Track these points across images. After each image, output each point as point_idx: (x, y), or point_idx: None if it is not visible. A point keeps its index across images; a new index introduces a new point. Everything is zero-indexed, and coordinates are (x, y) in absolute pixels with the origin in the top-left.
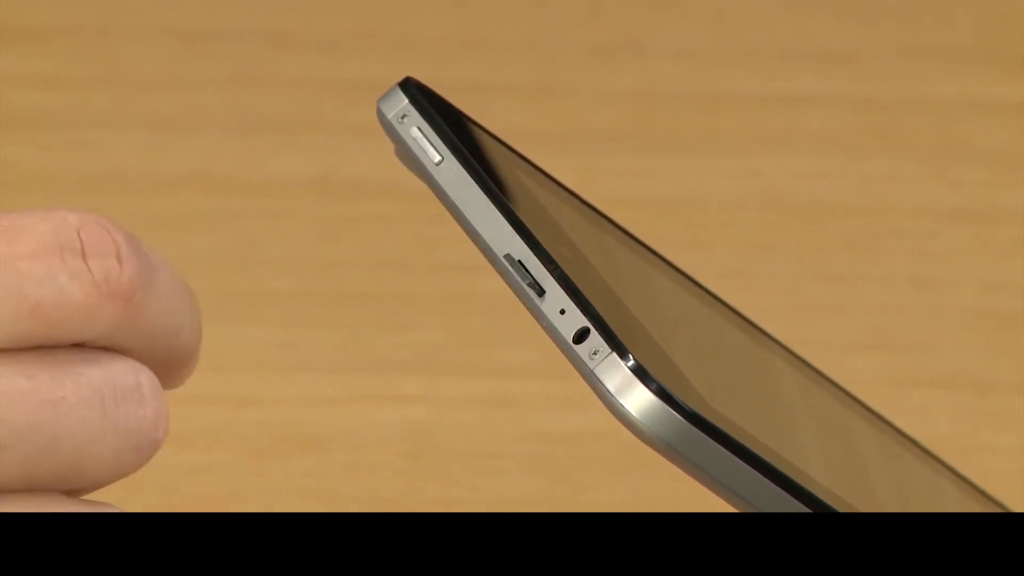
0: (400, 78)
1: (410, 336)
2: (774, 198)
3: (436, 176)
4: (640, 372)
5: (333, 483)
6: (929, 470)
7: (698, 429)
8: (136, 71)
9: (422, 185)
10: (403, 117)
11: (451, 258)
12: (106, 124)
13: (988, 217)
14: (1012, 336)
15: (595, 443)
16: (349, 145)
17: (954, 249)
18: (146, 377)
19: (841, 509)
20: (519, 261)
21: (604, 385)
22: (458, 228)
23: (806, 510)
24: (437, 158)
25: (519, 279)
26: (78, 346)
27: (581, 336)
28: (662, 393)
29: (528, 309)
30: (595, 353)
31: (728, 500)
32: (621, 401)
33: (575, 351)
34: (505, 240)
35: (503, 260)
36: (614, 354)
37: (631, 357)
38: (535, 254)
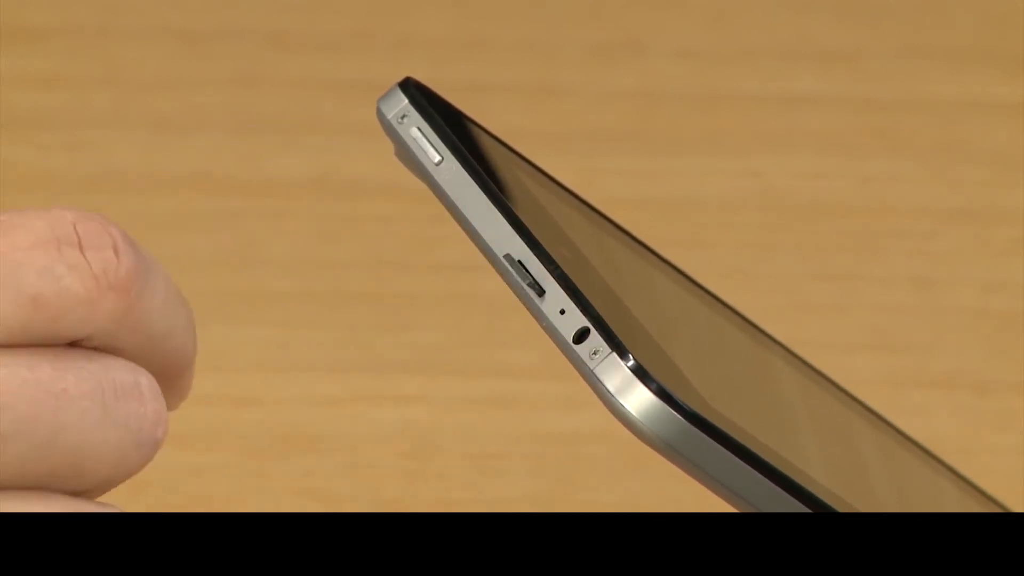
0: (400, 78)
1: (410, 336)
2: (774, 198)
3: (436, 176)
4: (640, 372)
5: (333, 483)
6: (929, 470)
7: (698, 429)
8: (136, 71)
9: (422, 185)
10: (403, 117)
11: (451, 258)
12: (106, 124)
13: (988, 217)
14: (1012, 336)
15: (595, 443)
16: (349, 145)
17: (954, 249)
18: (145, 378)
19: (841, 509)
20: (519, 261)
21: (604, 385)
22: (458, 228)
23: (806, 510)
24: (437, 158)
25: (519, 279)
26: (76, 346)
27: (581, 336)
28: (662, 393)
29: (528, 309)
30: (595, 353)
31: (728, 500)
32: (621, 401)
33: (575, 351)
34: (505, 240)
35: (503, 260)
36: (614, 354)
37: (631, 357)
38: (535, 254)
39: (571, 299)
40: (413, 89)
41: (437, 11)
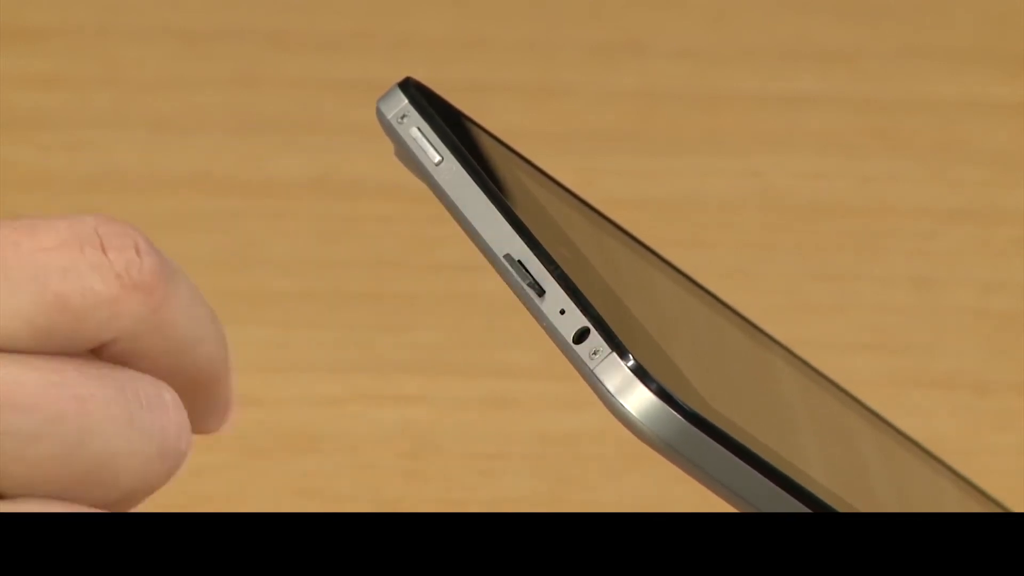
0: (400, 78)
1: (410, 336)
2: (774, 198)
3: (436, 176)
4: (640, 372)
5: (333, 483)
6: (929, 470)
7: (698, 429)
8: (136, 71)
9: (422, 185)
10: (403, 117)
11: (451, 258)
12: (106, 124)
13: (988, 217)
14: (1012, 336)
15: (595, 443)
16: (349, 145)
17: (954, 249)
18: (168, 392)
19: (841, 509)
20: (519, 261)
21: (604, 385)
22: (458, 228)
23: (806, 510)
24: (437, 158)
25: (519, 279)
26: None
27: (581, 336)
28: (662, 393)
29: (528, 309)
30: (595, 353)
31: (728, 500)
32: (621, 401)
33: (575, 351)
34: (505, 240)
35: (503, 260)
36: (614, 354)
37: (631, 357)
38: (535, 254)
39: (571, 299)
40: (413, 89)
41: (437, 11)
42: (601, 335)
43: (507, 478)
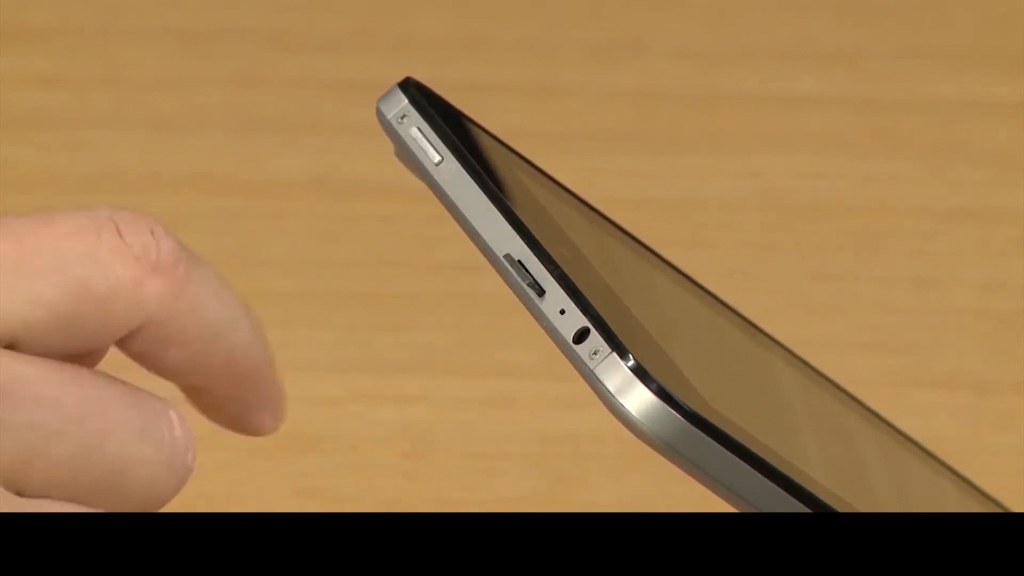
0: (400, 78)
1: (410, 336)
2: (774, 198)
3: (436, 176)
4: (640, 372)
5: (333, 483)
6: (929, 470)
7: (698, 429)
8: (136, 71)
9: (422, 185)
10: (403, 117)
11: (451, 258)
12: (106, 124)
13: (988, 217)
14: (1012, 336)
15: (595, 443)
16: (349, 145)
17: (954, 249)
18: (174, 410)
19: (841, 509)
20: (519, 261)
21: (604, 385)
22: (458, 228)
23: (806, 510)
24: (437, 158)
25: (519, 279)
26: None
27: (581, 336)
28: (662, 393)
29: (528, 309)
30: (595, 353)
31: (728, 500)
32: (621, 401)
33: (575, 351)
34: (505, 240)
35: (503, 260)
36: (614, 354)
37: (631, 357)
38: (535, 254)
39: (571, 299)
40: (413, 89)
41: (437, 11)
42: (601, 335)
43: (507, 478)
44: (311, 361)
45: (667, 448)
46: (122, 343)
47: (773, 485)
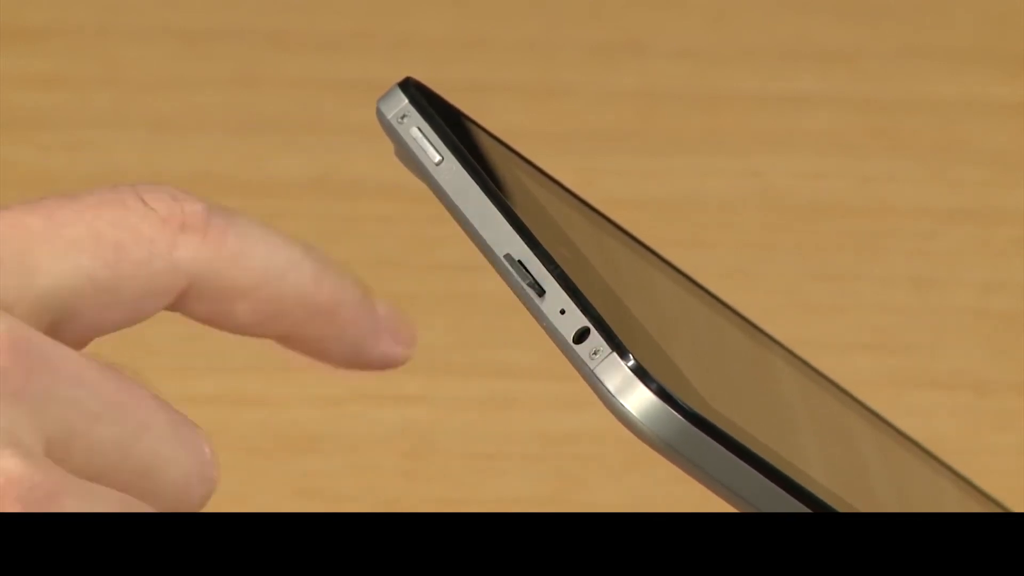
0: (400, 78)
1: None
2: (774, 198)
3: (436, 176)
4: (640, 372)
5: (333, 483)
6: (929, 470)
7: (698, 429)
8: (136, 71)
9: (422, 185)
10: (403, 117)
11: (451, 258)
12: (106, 124)
13: (988, 217)
14: (1012, 336)
15: (595, 443)
16: (349, 145)
17: (954, 249)
18: (200, 429)
19: (841, 509)
20: (519, 261)
21: (604, 385)
22: (458, 228)
23: (806, 510)
24: (437, 158)
25: (519, 279)
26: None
27: (581, 336)
28: (662, 393)
29: (528, 309)
30: (595, 353)
31: (728, 500)
32: (621, 401)
33: (575, 351)
34: (505, 240)
35: (503, 260)
36: (614, 354)
37: (631, 357)
38: (535, 254)
39: (571, 299)
40: (413, 89)
41: (437, 11)
42: (601, 335)
43: (507, 478)
44: (311, 361)
45: (667, 448)
46: (183, 309)
47: (773, 485)
